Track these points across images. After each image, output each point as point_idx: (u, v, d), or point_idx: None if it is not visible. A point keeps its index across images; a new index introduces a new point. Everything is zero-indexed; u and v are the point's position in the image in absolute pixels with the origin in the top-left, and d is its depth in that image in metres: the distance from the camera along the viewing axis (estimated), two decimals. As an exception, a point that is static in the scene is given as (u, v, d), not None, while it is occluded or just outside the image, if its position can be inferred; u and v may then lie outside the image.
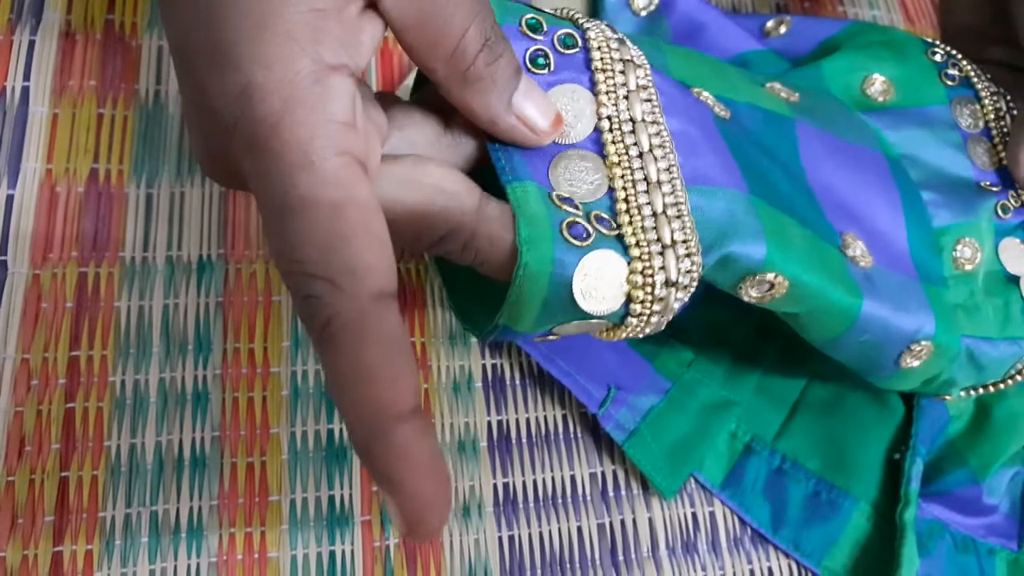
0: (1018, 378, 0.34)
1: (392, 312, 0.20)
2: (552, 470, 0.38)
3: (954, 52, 0.35)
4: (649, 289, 0.24)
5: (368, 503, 0.36)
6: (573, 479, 0.38)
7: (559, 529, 0.37)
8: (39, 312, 0.36)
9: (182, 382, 0.36)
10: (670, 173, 0.25)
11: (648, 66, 0.26)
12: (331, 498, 0.36)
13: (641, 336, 0.26)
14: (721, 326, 0.40)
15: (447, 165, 0.23)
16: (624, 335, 0.26)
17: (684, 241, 0.24)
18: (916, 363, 0.31)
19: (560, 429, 0.39)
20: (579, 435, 0.39)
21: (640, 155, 0.24)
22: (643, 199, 0.24)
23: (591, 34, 0.25)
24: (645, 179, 0.24)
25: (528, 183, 0.23)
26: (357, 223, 0.19)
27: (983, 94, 0.34)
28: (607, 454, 0.39)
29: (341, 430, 0.37)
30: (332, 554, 0.35)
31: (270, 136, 0.19)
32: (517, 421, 0.39)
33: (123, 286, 0.37)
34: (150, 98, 0.40)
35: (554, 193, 0.24)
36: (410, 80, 0.40)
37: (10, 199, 0.37)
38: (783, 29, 0.39)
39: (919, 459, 0.37)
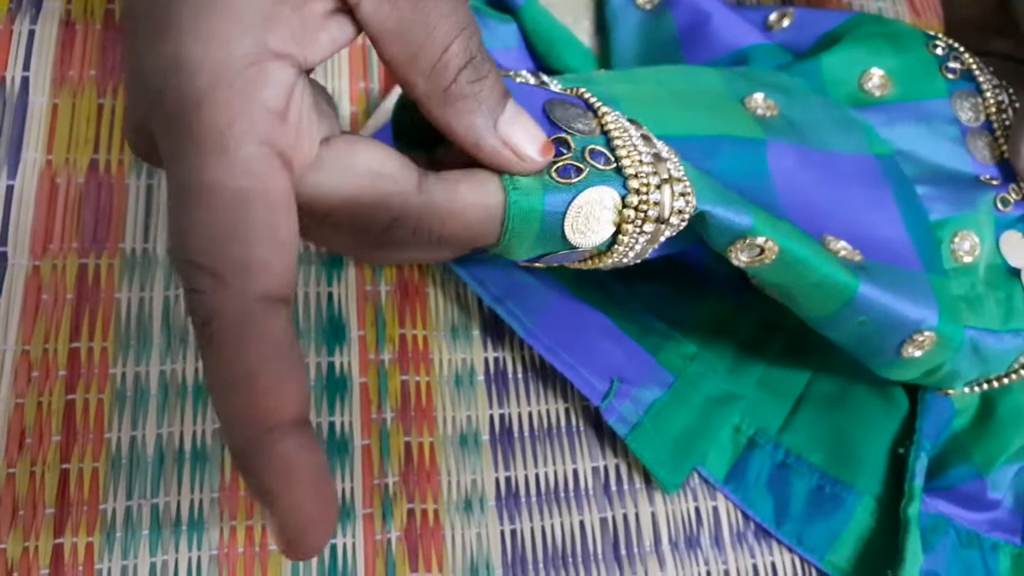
0: (1023, 372, 0.34)
1: (279, 317, 0.18)
2: (554, 464, 0.38)
3: (956, 45, 0.35)
4: (640, 223, 0.24)
5: (370, 496, 0.36)
6: (575, 473, 0.38)
7: (561, 523, 0.37)
8: (39, 303, 0.36)
9: (183, 374, 0.36)
10: (659, 143, 0.25)
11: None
12: (332, 491, 0.35)
13: (625, 261, 0.25)
14: (725, 319, 0.40)
15: (381, 145, 0.22)
16: (608, 262, 0.25)
17: (680, 179, 0.24)
18: (918, 353, 0.31)
19: (562, 423, 0.39)
20: (581, 429, 0.39)
21: (631, 123, 0.25)
22: (639, 143, 0.24)
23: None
24: (642, 136, 0.24)
25: None
26: (260, 218, 0.18)
27: (985, 87, 0.34)
28: (610, 448, 0.39)
29: (342, 423, 0.37)
30: (333, 547, 0.35)
31: (191, 114, 0.18)
32: (519, 414, 0.38)
33: (124, 277, 0.37)
34: (151, 88, 0.40)
35: (551, 138, 0.23)
36: (389, 102, 0.40)
37: (10, 190, 0.37)
38: (786, 22, 0.39)
39: (923, 454, 0.37)
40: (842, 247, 0.29)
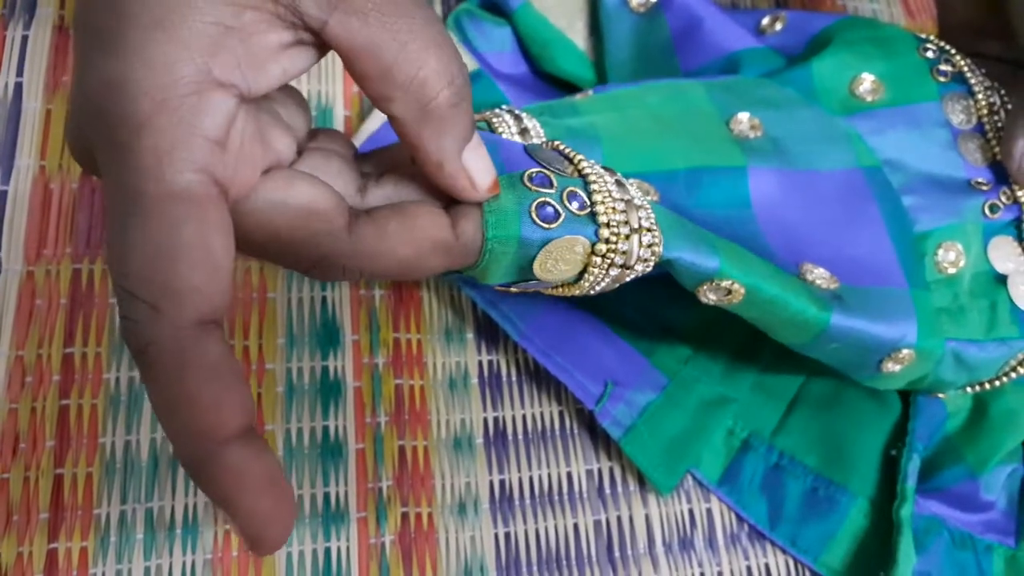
0: (1014, 375, 0.34)
1: (214, 339, 0.19)
2: (548, 467, 0.38)
3: (948, 47, 0.35)
4: (605, 267, 0.25)
5: (364, 500, 0.36)
6: (569, 476, 0.38)
7: (555, 526, 0.37)
8: (33, 309, 0.36)
9: (177, 379, 0.36)
10: (631, 187, 0.26)
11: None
12: (326, 495, 0.36)
13: (592, 294, 0.26)
14: (719, 322, 0.40)
15: (317, 183, 0.21)
16: (576, 292, 0.26)
17: (650, 229, 0.25)
18: (897, 368, 0.32)
19: (556, 426, 0.39)
20: (575, 432, 0.39)
21: (601, 174, 0.25)
22: (611, 188, 0.25)
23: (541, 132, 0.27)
24: (616, 182, 0.25)
25: (500, 176, 0.24)
26: (193, 244, 0.18)
27: (976, 89, 0.34)
28: (603, 451, 0.39)
29: (336, 427, 0.37)
30: (328, 551, 0.35)
31: (131, 137, 0.18)
32: (513, 417, 0.38)
33: (117, 282, 0.37)
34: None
35: (527, 173, 0.24)
36: (370, 124, 0.40)
37: (3, 195, 0.37)
38: (778, 26, 0.39)
39: (916, 455, 0.37)
40: (819, 276, 0.30)
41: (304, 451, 0.36)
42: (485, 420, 0.38)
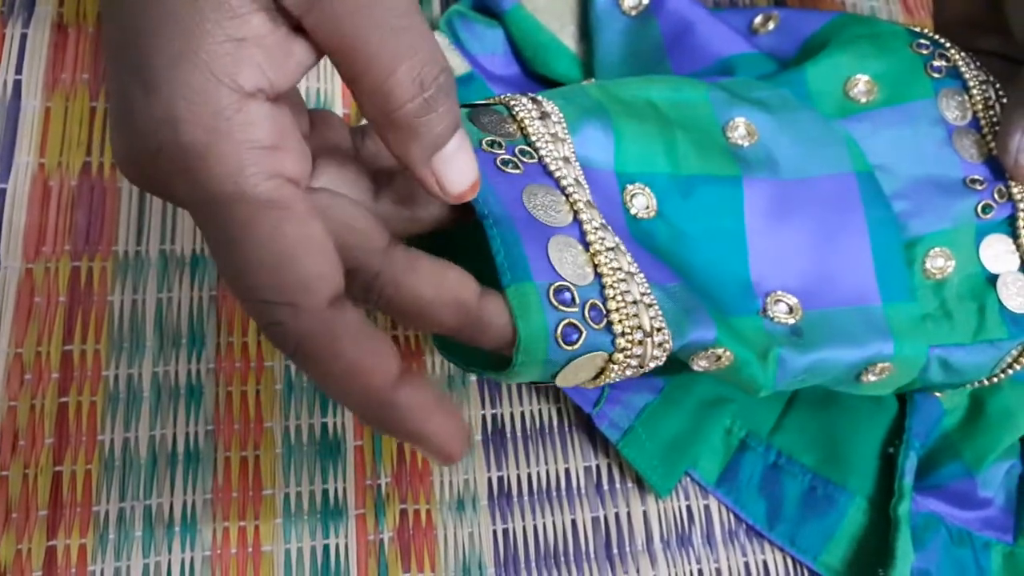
0: (1010, 371, 0.34)
1: (348, 308, 0.21)
2: (546, 464, 0.38)
3: (942, 41, 0.35)
4: (621, 370, 0.26)
5: (362, 496, 0.36)
6: (567, 472, 0.38)
7: (553, 522, 0.37)
8: (32, 306, 0.36)
9: (176, 376, 0.36)
10: (634, 266, 0.26)
11: (586, 183, 0.27)
12: (325, 492, 0.36)
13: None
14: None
15: (358, 205, 0.23)
16: (599, 383, 0.27)
17: (660, 329, 0.26)
18: (875, 379, 0.32)
19: (555, 423, 0.39)
20: (573, 428, 0.39)
21: (612, 248, 0.26)
22: (623, 287, 0.25)
23: (543, 152, 0.27)
24: (621, 268, 0.26)
25: (526, 285, 0.24)
26: (298, 240, 0.20)
27: (971, 84, 0.34)
28: (601, 448, 0.39)
29: (335, 424, 0.37)
30: (326, 548, 0.35)
31: (200, 166, 0.19)
32: (512, 415, 0.38)
33: (116, 280, 0.37)
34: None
35: (553, 287, 0.24)
36: None
37: (2, 193, 0.37)
38: (771, 25, 0.39)
39: (913, 453, 0.37)
40: (781, 310, 0.30)
41: (303, 448, 0.36)
42: (483, 417, 0.38)
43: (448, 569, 0.36)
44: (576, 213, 0.26)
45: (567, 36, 0.42)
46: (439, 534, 0.36)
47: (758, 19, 0.39)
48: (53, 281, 0.36)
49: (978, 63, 0.34)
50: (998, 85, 0.34)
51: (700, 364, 0.29)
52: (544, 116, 0.28)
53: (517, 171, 0.26)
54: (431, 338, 0.37)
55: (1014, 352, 0.33)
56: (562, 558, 0.37)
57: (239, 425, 0.36)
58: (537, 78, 0.43)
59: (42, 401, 0.35)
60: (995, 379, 0.35)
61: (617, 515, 0.38)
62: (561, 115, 0.29)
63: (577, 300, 0.24)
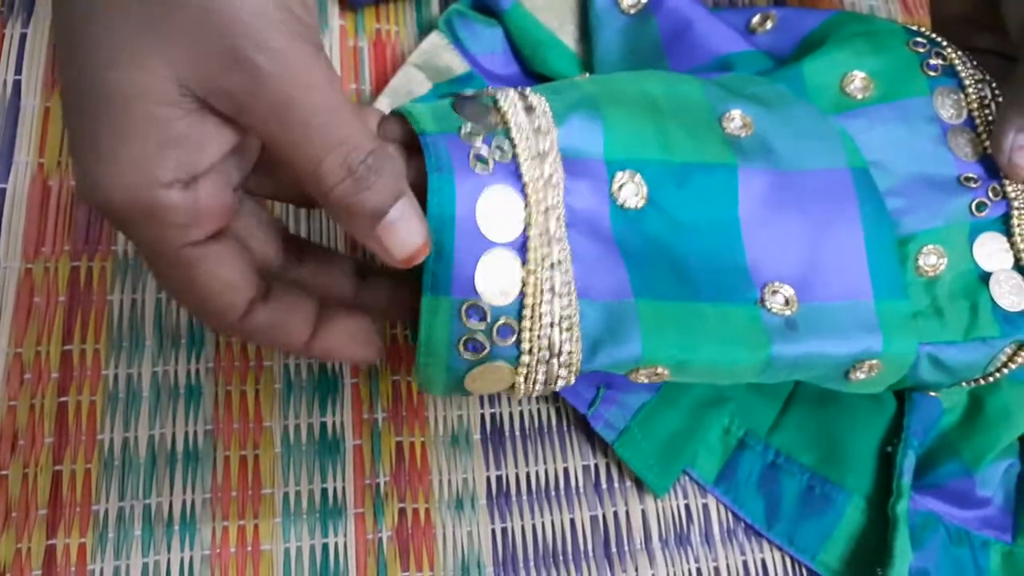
0: (1006, 371, 0.34)
1: (258, 311, 0.26)
2: (545, 463, 0.38)
3: (939, 40, 0.35)
4: (529, 384, 0.28)
5: (361, 495, 0.36)
6: (566, 471, 0.38)
7: (552, 521, 0.37)
8: (31, 306, 0.36)
9: (175, 376, 0.36)
10: (568, 286, 0.27)
11: (562, 180, 0.28)
12: (324, 491, 0.36)
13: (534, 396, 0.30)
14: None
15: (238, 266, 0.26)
16: (517, 396, 0.29)
17: (569, 352, 0.27)
18: (863, 376, 0.32)
19: (553, 422, 0.39)
20: (572, 428, 0.39)
21: (552, 265, 0.27)
22: (545, 307, 0.26)
23: (519, 148, 0.27)
24: (552, 288, 0.27)
25: (442, 300, 0.26)
26: (208, 284, 0.24)
27: (967, 82, 0.34)
28: (600, 447, 0.39)
29: (334, 423, 0.37)
30: (325, 546, 0.35)
31: (129, 229, 0.23)
32: (510, 414, 0.39)
33: (116, 280, 0.37)
34: (142, 91, 0.40)
35: (466, 305, 0.26)
36: (380, 103, 0.40)
37: (2, 193, 0.37)
38: (769, 25, 0.39)
39: (911, 452, 0.37)
40: (778, 301, 0.30)
41: (302, 447, 0.36)
42: (482, 416, 0.38)
43: (447, 568, 0.36)
44: (527, 226, 0.27)
45: (566, 35, 0.42)
46: (438, 533, 0.36)
47: (756, 18, 0.39)
48: (52, 281, 0.36)
49: (974, 62, 0.34)
50: (994, 84, 0.34)
51: (640, 378, 0.30)
52: (529, 109, 0.28)
53: (486, 170, 0.26)
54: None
55: (1008, 351, 0.33)
56: (561, 557, 0.37)
57: (238, 424, 0.36)
58: (536, 77, 0.43)
59: (42, 400, 0.35)
60: (991, 378, 0.35)
61: (616, 514, 0.38)
62: (547, 107, 0.29)
63: (488, 318, 0.26)
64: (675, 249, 0.30)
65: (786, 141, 0.32)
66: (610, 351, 0.28)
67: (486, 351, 0.26)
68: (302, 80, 0.22)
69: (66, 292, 0.36)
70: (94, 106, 0.22)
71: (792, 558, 0.39)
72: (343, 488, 0.36)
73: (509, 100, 0.28)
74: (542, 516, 0.37)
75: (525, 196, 0.27)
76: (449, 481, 0.37)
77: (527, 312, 0.26)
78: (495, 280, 0.26)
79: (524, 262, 0.26)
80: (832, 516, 0.38)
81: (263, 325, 0.26)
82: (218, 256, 0.24)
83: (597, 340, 0.28)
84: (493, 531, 0.37)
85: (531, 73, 0.43)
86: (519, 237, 0.27)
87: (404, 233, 0.24)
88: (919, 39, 0.35)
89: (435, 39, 0.42)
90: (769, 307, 0.30)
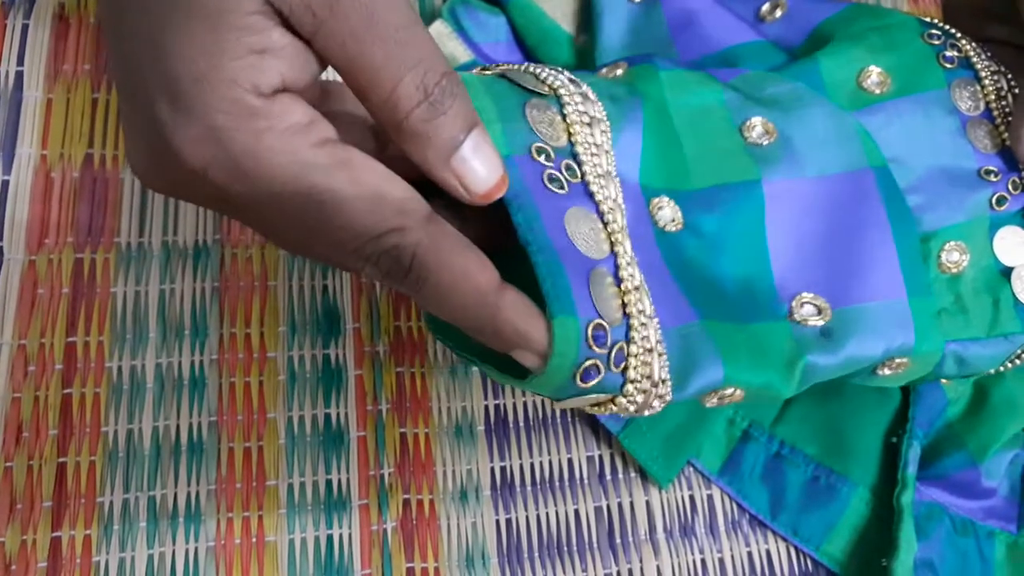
0: (1018, 361, 0.34)
1: (444, 221, 0.23)
2: (549, 454, 0.38)
3: (953, 32, 0.35)
4: (618, 410, 0.26)
5: (365, 487, 0.36)
6: (570, 463, 0.38)
7: (556, 512, 0.37)
8: (35, 298, 0.36)
9: (179, 367, 0.36)
10: (653, 309, 0.26)
11: (624, 210, 0.27)
12: (328, 482, 0.36)
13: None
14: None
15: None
16: (595, 412, 0.28)
17: (664, 380, 0.26)
18: (890, 372, 0.31)
19: (557, 413, 0.39)
20: (576, 419, 0.39)
21: (637, 287, 0.26)
22: (644, 331, 0.25)
23: (586, 167, 0.27)
24: (643, 311, 0.25)
25: (570, 319, 0.24)
26: (376, 177, 0.22)
27: (983, 74, 0.34)
28: (604, 438, 0.39)
29: (338, 415, 0.37)
30: (330, 538, 0.35)
31: (256, 165, 0.21)
32: (515, 405, 0.39)
33: (119, 271, 0.37)
34: (145, 82, 0.40)
35: (592, 325, 0.24)
36: None
37: (5, 185, 0.37)
38: (778, 13, 0.39)
39: (916, 443, 0.37)
40: (809, 312, 0.30)
41: (306, 439, 0.36)
42: (486, 407, 0.38)
43: (451, 559, 0.36)
44: (612, 244, 0.26)
45: (570, 24, 0.42)
46: (442, 524, 0.36)
47: (765, 7, 0.39)
48: (56, 273, 0.36)
49: (989, 53, 0.34)
50: (1010, 75, 0.34)
51: (712, 402, 0.29)
52: (592, 122, 0.28)
53: (562, 191, 0.25)
54: (424, 319, 0.37)
55: (1022, 343, 0.33)
56: (565, 548, 0.37)
57: (242, 416, 0.36)
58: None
59: (46, 393, 0.35)
60: (1001, 368, 0.35)
61: (620, 505, 0.38)
62: (607, 124, 0.28)
63: (609, 341, 0.24)
64: (713, 271, 0.29)
65: (808, 145, 0.31)
66: (697, 377, 0.27)
67: (599, 379, 0.25)
68: None
69: (70, 284, 0.36)
70: (169, 33, 0.20)
71: (796, 549, 0.39)
72: (347, 479, 0.36)
73: (574, 106, 0.27)
74: (546, 507, 0.37)
75: (601, 216, 0.26)
76: (453, 472, 0.37)
77: (634, 335, 0.25)
78: (607, 301, 0.25)
79: (619, 282, 0.25)
80: (837, 507, 0.38)
81: (452, 232, 0.22)
82: (362, 153, 0.22)
83: (682, 369, 0.27)
84: (497, 522, 0.37)
85: (535, 62, 0.43)
86: (609, 255, 0.26)
87: (481, 164, 0.23)
88: (934, 31, 0.35)
89: (439, 27, 0.42)
90: (800, 320, 0.30)
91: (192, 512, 0.34)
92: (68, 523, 0.33)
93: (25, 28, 0.39)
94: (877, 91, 0.33)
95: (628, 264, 0.26)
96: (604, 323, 0.24)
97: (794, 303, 0.30)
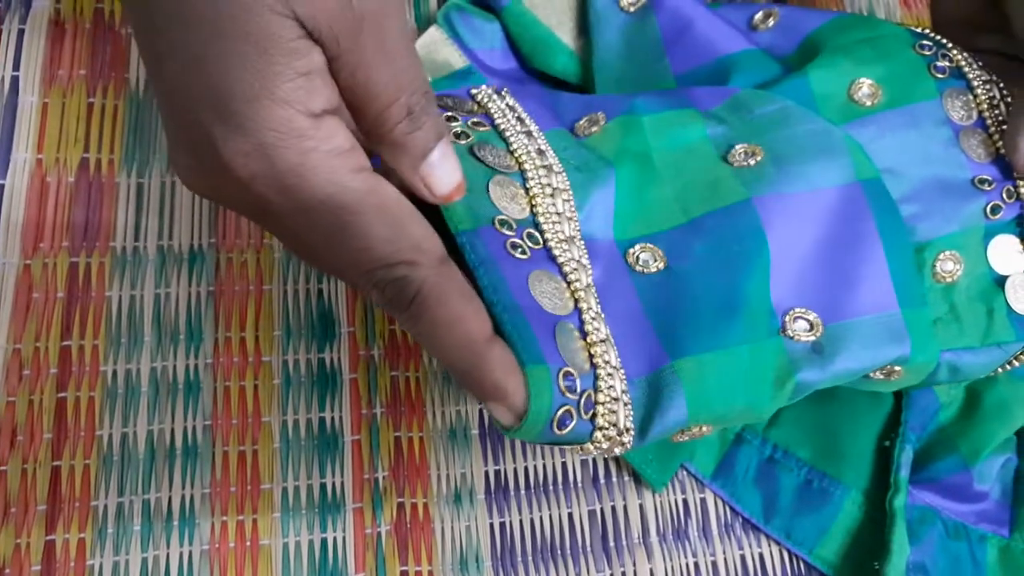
0: (1008, 367, 0.34)
1: (454, 266, 0.25)
2: (543, 457, 0.38)
3: (944, 42, 0.35)
4: (583, 455, 0.28)
5: (360, 490, 0.36)
6: (564, 466, 0.38)
7: (550, 516, 0.37)
8: (30, 302, 0.36)
9: (174, 371, 0.36)
10: (619, 361, 0.27)
11: (589, 268, 0.29)
12: (323, 486, 0.36)
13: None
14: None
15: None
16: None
17: (628, 430, 0.27)
18: (882, 376, 0.32)
19: (551, 417, 0.39)
20: (570, 423, 0.39)
21: (603, 340, 0.27)
22: (611, 381, 0.27)
23: (548, 235, 0.28)
24: (610, 362, 0.27)
25: (541, 367, 0.25)
26: (401, 211, 0.24)
27: (975, 83, 0.34)
28: (598, 442, 0.39)
29: (333, 419, 0.37)
30: (324, 541, 0.35)
31: (298, 183, 0.22)
32: (509, 409, 0.39)
33: (114, 276, 0.37)
34: (140, 87, 0.40)
35: (562, 372, 0.25)
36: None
37: (0, 189, 0.37)
38: (771, 22, 0.39)
39: (908, 446, 0.37)
40: (802, 328, 0.30)
41: (300, 442, 0.36)
42: (481, 411, 0.38)
43: (445, 562, 0.36)
44: (576, 301, 0.27)
45: (565, 32, 0.42)
46: (436, 527, 0.36)
47: (758, 16, 0.39)
48: (51, 277, 0.36)
49: (980, 63, 0.34)
50: (1002, 84, 0.34)
51: (682, 438, 0.30)
52: (555, 192, 0.29)
53: (524, 256, 0.27)
54: None
55: (1015, 351, 0.33)
56: (559, 551, 0.37)
57: (237, 420, 0.36)
58: (535, 72, 0.43)
59: (40, 396, 0.35)
60: (992, 373, 0.35)
61: (614, 508, 0.38)
62: (570, 193, 0.29)
63: (578, 388, 0.26)
64: (703, 301, 0.30)
65: (796, 162, 0.32)
66: (659, 421, 0.28)
67: (571, 426, 0.26)
68: (395, 25, 0.23)
69: (65, 288, 0.36)
70: (218, 57, 0.21)
71: (789, 552, 0.39)
72: (342, 483, 0.36)
73: (536, 180, 0.29)
74: (540, 511, 0.37)
75: (565, 276, 0.28)
76: (448, 476, 0.37)
77: (601, 385, 0.26)
78: (570, 350, 0.26)
79: (584, 335, 0.27)
80: (830, 510, 0.38)
81: (459, 278, 0.25)
82: (393, 188, 0.24)
83: (645, 416, 0.28)
84: (491, 525, 0.37)
85: (530, 69, 0.43)
86: (574, 311, 0.27)
87: (445, 170, 0.25)
88: (925, 41, 0.35)
89: (433, 34, 0.42)
90: (792, 335, 0.30)
91: (186, 516, 0.34)
92: (62, 527, 0.33)
93: (21, 33, 0.39)
94: (868, 103, 0.33)
95: (593, 319, 0.27)
96: (573, 371, 0.26)
97: (787, 318, 0.30)
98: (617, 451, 0.28)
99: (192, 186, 0.24)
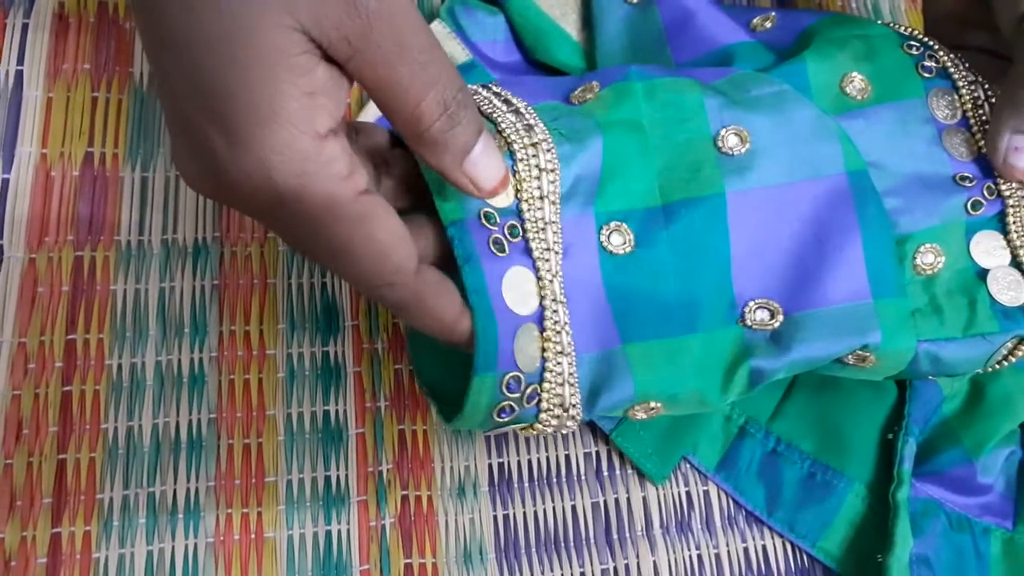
0: (1012, 359, 0.34)
1: (426, 269, 0.26)
2: (547, 450, 0.38)
3: (931, 43, 0.35)
4: (537, 434, 0.30)
5: (364, 483, 0.36)
6: (568, 458, 0.38)
7: (553, 508, 0.37)
8: (35, 296, 0.36)
9: (178, 365, 0.36)
10: (571, 345, 0.29)
11: (560, 253, 0.30)
12: (327, 478, 0.36)
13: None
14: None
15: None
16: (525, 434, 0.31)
17: (575, 405, 0.29)
18: (854, 362, 0.32)
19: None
20: (574, 416, 0.39)
21: (560, 329, 0.28)
22: (559, 368, 0.28)
23: (528, 223, 0.29)
24: (562, 351, 0.28)
25: (488, 376, 0.27)
26: (387, 238, 0.24)
27: (960, 83, 0.34)
28: (601, 434, 0.39)
29: (337, 411, 0.37)
30: (328, 534, 0.35)
31: (296, 203, 0.23)
32: (512, 402, 0.39)
33: (119, 270, 0.37)
34: (144, 81, 0.40)
35: (507, 377, 0.27)
36: None
37: (5, 183, 0.37)
38: (768, 25, 0.39)
39: (912, 439, 0.37)
40: (761, 318, 0.31)
41: (305, 435, 0.36)
42: (484, 405, 0.38)
43: (449, 555, 0.36)
44: (542, 298, 0.28)
45: (568, 23, 0.42)
46: (440, 520, 0.36)
47: (756, 19, 0.40)
48: (56, 271, 0.36)
49: (966, 64, 0.35)
50: (987, 85, 0.34)
51: (638, 415, 0.31)
52: (540, 174, 0.29)
53: (503, 253, 0.28)
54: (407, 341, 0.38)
55: (1009, 344, 0.33)
56: (562, 543, 0.37)
57: (241, 413, 0.36)
58: (539, 65, 0.43)
59: (46, 390, 0.35)
60: (997, 366, 0.35)
61: (617, 501, 0.38)
62: (556, 173, 0.29)
63: (522, 387, 0.28)
64: (662, 289, 0.31)
65: (783, 150, 0.32)
66: (607, 396, 0.29)
67: (513, 414, 0.28)
68: (408, 21, 0.22)
69: (70, 282, 0.36)
70: (224, 77, 0.21)
71: (793, 545, 0.39)
72: (346, 476, 0.36)
73: (526, 164, 0.29)
74: (543, 503, 0.37)
75: (536, 270, 0.28)
76: (451, 468, 0.37)
77: (547, 376, 0.28)
78: (528, 352, 0.28)
79: (542, 331, 0.28)
80: (833, 503, 0.38)
81: (433, 280, 0.26)
82: (385, 204, 0.24)
83: (593, 390, 0.29)
84: (495, 518, 0.37)
85: (533, 62, 0.43)
86: (537, 308, 0.28)
87: (489, 164, 0.25)
88: (912, 42, 0.35)
89: (437, 27, 0.42)
90: (750, 324, 0.31)
91: (191, 508, 0.34)
92: (68, 519, 0.33)
93: (25, 27, 0.39)
94: (858, 97, 0.34)
95: (554, 311, 0.28)
96: (520, 374, 0.27)
97: (747, 308, 0.31)
98: (570, 424, 0.29)
99: (195, 188, 0.24)
